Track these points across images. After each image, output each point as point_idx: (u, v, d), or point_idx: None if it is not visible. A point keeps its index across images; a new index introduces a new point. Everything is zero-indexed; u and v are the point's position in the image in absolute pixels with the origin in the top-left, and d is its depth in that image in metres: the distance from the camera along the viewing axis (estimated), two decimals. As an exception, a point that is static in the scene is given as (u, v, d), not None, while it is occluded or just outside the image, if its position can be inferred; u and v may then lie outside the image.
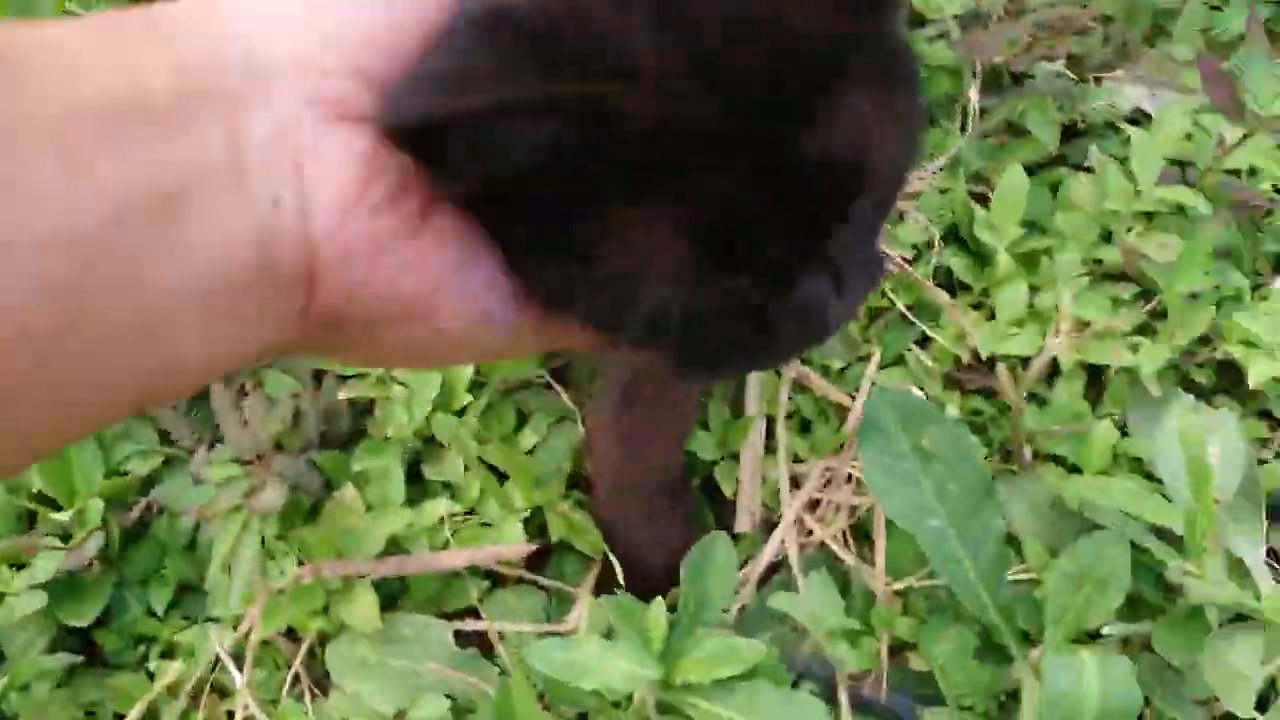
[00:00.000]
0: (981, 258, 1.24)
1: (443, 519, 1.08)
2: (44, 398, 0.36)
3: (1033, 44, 1.34)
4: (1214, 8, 1.45)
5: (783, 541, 1.10)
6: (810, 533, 1.11)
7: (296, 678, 1.06)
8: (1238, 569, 1.01)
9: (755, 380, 1.17)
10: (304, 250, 0.40)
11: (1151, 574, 1.00)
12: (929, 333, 1.20)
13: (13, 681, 1.06)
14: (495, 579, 1.11)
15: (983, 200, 1.25)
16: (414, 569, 1.06)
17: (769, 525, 1.13)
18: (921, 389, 1.16)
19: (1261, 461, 1.11)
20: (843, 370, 1.20)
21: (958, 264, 1.24)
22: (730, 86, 0.41)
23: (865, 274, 0.50)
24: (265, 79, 0.39)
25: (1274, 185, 1.23)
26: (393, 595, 1.09)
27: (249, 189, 0.38)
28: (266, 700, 1.06)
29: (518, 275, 0.46)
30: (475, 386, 1.12)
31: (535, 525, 1.10)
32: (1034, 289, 1.19)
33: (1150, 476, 1.07)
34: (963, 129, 1.33)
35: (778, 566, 1.11)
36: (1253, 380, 1.08)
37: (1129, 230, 1.20)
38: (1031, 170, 1.28)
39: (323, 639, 1.07)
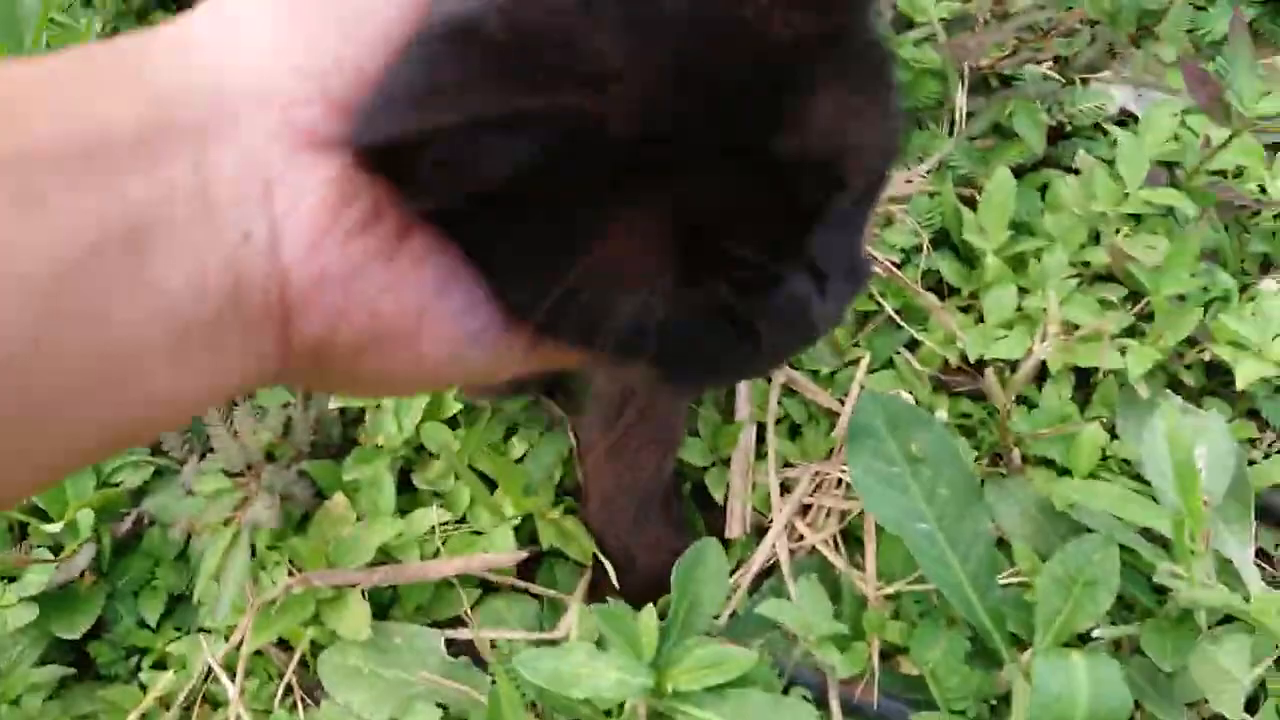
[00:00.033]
0: (970, 261, 1.25)
1: (433, 528, 1.08)
2: (12, 441, 0.35)
3: (1019, 47, 1.34)
4: (1199, 8, 1.45)
5: (774, 547, 1.10)
6: (801, 538, 1.11)
7: (289, 687, 1.07)
8: (1227, 569, 1.01)
9: (745, 385, 1.17)
10: (277, 281, 0.40)
11: (1141, 576, 1.00)
12: (918, 336, 1.20)
13: (5, 694, 1.06)
14: (487, 587, 1.11)
15: (971, 203, 1.26)
16: (405, 578, 1.06)
17: (760, 530, 1.13)
18: (911, 393, 1.17)
19: (1251, 462, 1.12)
20: (832, 374, 1.20)
21: (947, 267, 1.24)
22: (702, 90, 0.40)
23: (851, 275, 0.50)
24: (233, 111, 0.39)
25: (1260, 185, 1.24)
26: (384, 604, 1.09)
27: (218, 222, 0.38)
28: (259, 710, 1.06)
29: (498, 293, 0.45)
30: (465, 395, 1.13)
31: (526, 533, 1.11)
32: (1023, 291, 1.20)
33: (1140, 478, 1.07)
34: (950, 132, 1.33)
35: (769, 571, 1.11)
36: (1240, 381, 1.09)
37: (1117, 232, 1.21)
38: (1019, 172, 1.29)
39: (315, 648, 1.07)
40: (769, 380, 1.18)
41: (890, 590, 1.05)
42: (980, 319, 1.20)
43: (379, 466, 1.10)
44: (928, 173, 1.30)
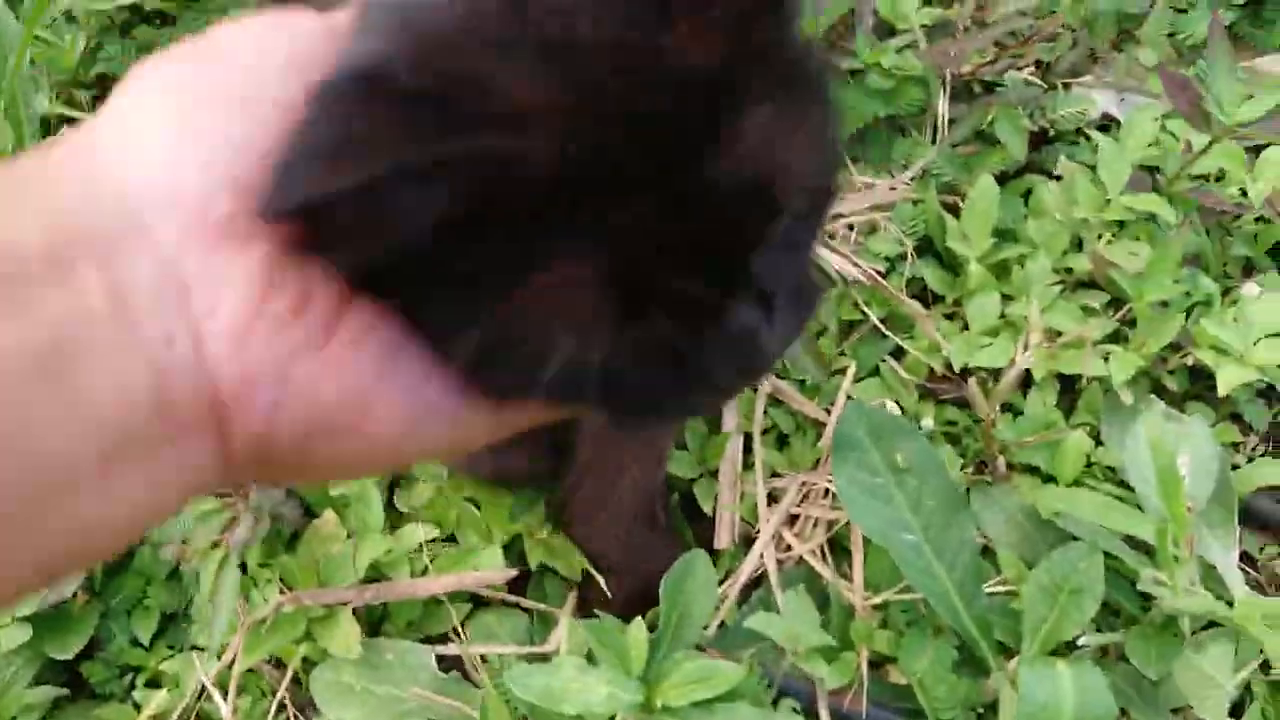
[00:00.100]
0: (954, 268, 1.25)
1: (422, 544, 1.09)
2: None
3: (1000, 54, 1.35)
4: (1180, 10, 1.46)
5: (761, 557, 1.11)
6: (789, 548, 1.12)
7: (282, 705, 1.07)
8: (1211, 575, 1.02)
9: (731, 397, 1.18)
10: (205, 385, 0.38)
11: (1126, 583, 1.01)
12: (903, 345, 1.21)
13: (0, 716, 1.06)
14: (477, 601, 1.11)
15: (954, 210, 1.26)
16: (396, 596, 1.06)
17: (748, 540, 1.14)
18: (897, 401, 1.17)
19: (1234, 466, 1.12)
20: (818, 384, 1.20)
21: (931, 275, 1.25)
22: (625, 120, 0.39)
23: (799, 299, 0.49)
24: (141, 217, 0.38)
25: (1241, 189, 1.24)
26: (375, 620, 1.10)
27: (138, 333, 0.37)
28: (252, 728, 1.07)
29: (441, 355, 0.43)
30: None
31: (516, 549, 1.11)
32: (1007, 298, 1.20)
33: (1125, 484, 1.08)
34: (933, 139, 1.34)
35: (757, 581, 1.11)
36: (1222, 387, 1.09)
37: (1099, 238, 1.21)
38: (1002, 179, 1.29)
39: (307, 665, 1.07)
40: (754, 391, 1.19)
41: (878, 600, 1.06)
42: (965, 326, 1.21)
43: (366, 483, 1.11)
44: (911, 180, 1.31)
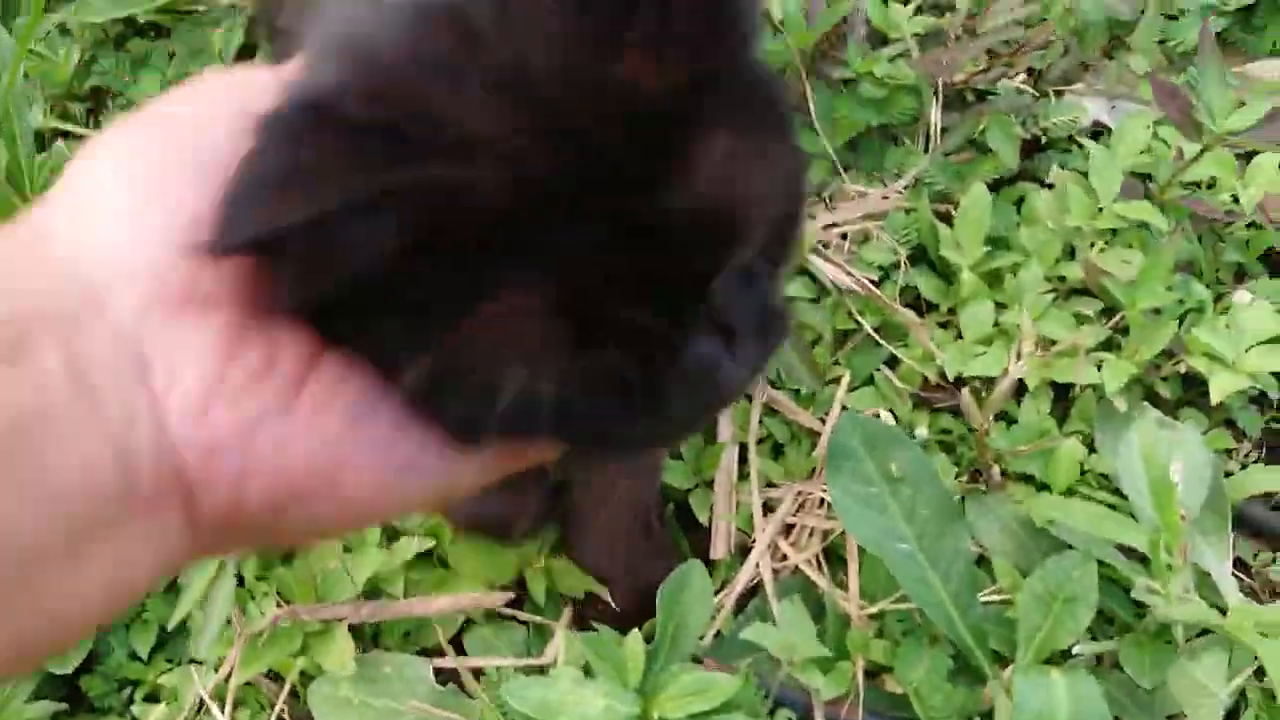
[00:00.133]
0: (948, 276, 1.26)
1: (417, 555, 1.09)
2: None
3: (992, 64, 1.35)
4: (1170, 17, 1.46)
5: (757, 566, 1.11)
6: (784, 557, 1.12)
7: (280, 718, 1.07)
8: (1205, 581, 1.03)
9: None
10: (169, 459, 0.37)
11: (1121, 591, 1.01)
12: (897, 354, 1.21)
13: (-2, 732, 1.07)
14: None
15: (948, 219, 1.27)
16: (393, 614, 1.07)
17: (744, 550, 1.14)
18: (891, 410, 1.18)
19: (1228, 473, 1.13)
20: (813, 394, 1.21)
21: (924, 283, 1.25)
22: (578, 148, 0.38)
23: (763, 330, 0.47)
24: (96, 291, 0.38)
25: (1233, 195, 1.25)
26: (373, 632, 1.10)
27: (100, 411, 0.36)
28: (251, 741, 1.07)
29: (393, 388, 0.42)
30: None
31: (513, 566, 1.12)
32: (1000, 306, 1.21)
33: (1119, 492, 1.08)
34: (926, 148, 1.34)
35: (754, 591, 1.12)
36: (1215, 394, 1.10)
37: (1091, 246, 1.22)
38: (995, 186, 1.30)
39: (305, 679, 1.07)
40: (749, 400, 1.19)
41: (874, 610, 1.06)
42: (959, 335, 1.21)
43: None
44: (904, 189, 1.31)
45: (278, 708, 1.07)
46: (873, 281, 1.24)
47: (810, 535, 1.14)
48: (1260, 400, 1.20)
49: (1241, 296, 1.20)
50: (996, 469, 1.12)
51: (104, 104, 1.56)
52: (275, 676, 1.09)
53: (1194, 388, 1.19)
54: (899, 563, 1.00)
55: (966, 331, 1.20)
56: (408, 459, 0.42)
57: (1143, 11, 1.44)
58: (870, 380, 1.22)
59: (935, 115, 1.34)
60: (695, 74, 0.40)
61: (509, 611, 1.10)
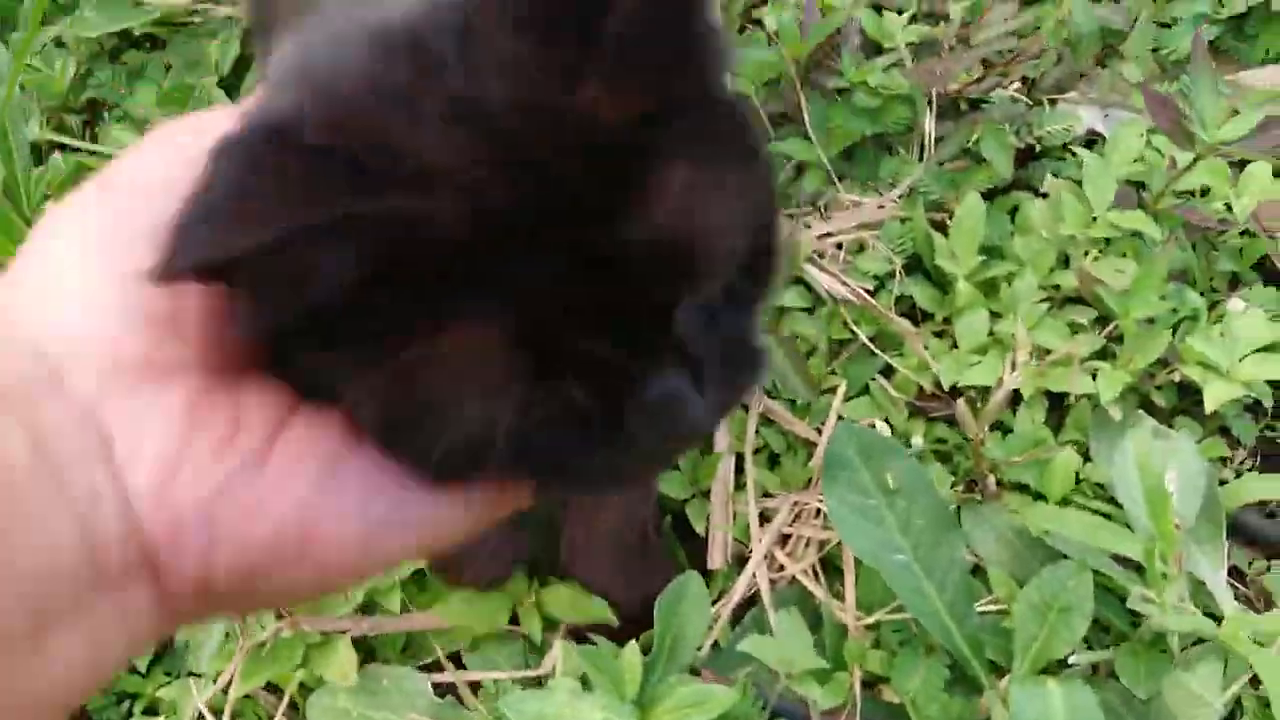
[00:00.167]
0: (943, 285, 1.26)
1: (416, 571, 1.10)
2: None
3: (985, 74, 1.36)
4: (1163, 25, 1.47)
5: (754, 576, 1.12)
6: (781, 568, 1.13)
7: (279, 731, 1.08)
8: (1200, 590, 1.03)
9: (723, 416, 1.18)
10: (133, 535, 0.37)
11: (1116, 600, 1.02)
12: (893, 363, 1.21)
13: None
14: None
15: (942, 228, 1.27)
16: (393, 628, 1.07)
17: (741, 560, 1.14)
18: (887, 420, 1.18)
19: (1222, 482, 1.13)
20: (808, 404, 1.21)
21: (920, 293, 1.26)
22: (537, 179, 0.37)
23: (737, 364, 0.46)
24: (57, 366, 0.37)
25: (1226, 204, 1.25)
26: (370, 645, 1.11)
27: (64, 490, 0.35)
28: (249, 755, 1.07)
29: (368, 438, 0.41)
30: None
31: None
32: (995, 315, 1.21)
33: (1115, 501, 1.08)
34: (920, 157, 1.34)
35: (751, 601, 1.12)
36: (1209, 404, 1.10)
37: (1085, 255, 1.22)
38: (990, 195, 1.30)
39: (304, 691, 1.08)
40: (745, 410, 1.19)
41: (870, 620, 1.06)
42: (954, 344, 1.21)
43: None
44: (899, 198, 1.32)
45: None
46: (868, 291, 1.24)
47: (807, 545, 1.14)
48: (1255, 408, 1.20)
49: (1235, 305, 1.21)
50: (992, 478, 1.13)
51: (100, 116, 1.56)
52: (273, 689, 1.10)
53: (1189, 396, 1.20)
54: (895, 573, 1.00)
55: (961, 341, 1.20)
56: (386, 514, 0.41)
57: (1136, 20, 1.45)
58: (866, 390, 1.22)
59: (929, 124, 1.34)
60: (655, 105, 0.39)
61: (506, 625, 1.11)
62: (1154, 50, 1.45)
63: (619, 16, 0.37)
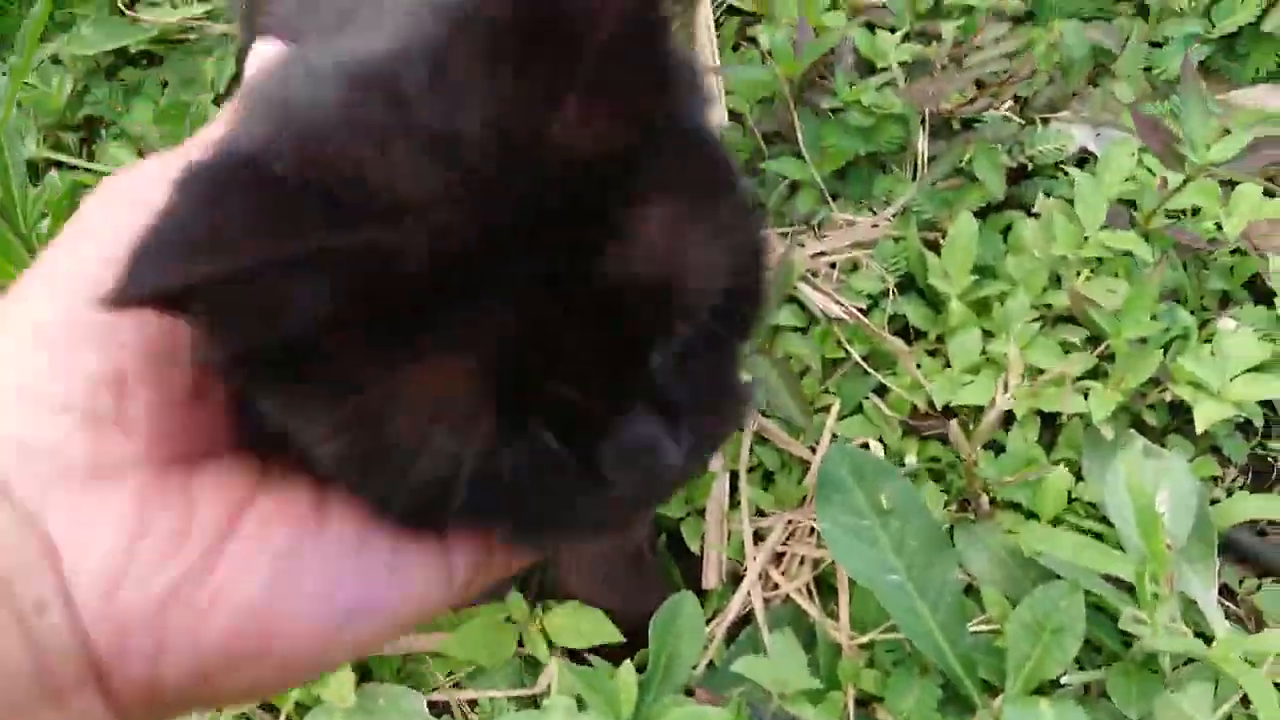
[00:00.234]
0: (936, 305, 1.27)
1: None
2: None
3: (979, 93, 1.37)
4: (1155, 44, 1.48)
5: (749, 595, 1.12)
6: (776, 586, 1.13)
7: (275, 750, 1.08)
8: (1192, 609, 1.04)
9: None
10: (79, 644, 0.36)
11: (1109, 619, 1.02)
12: (886, 382, 1.22)
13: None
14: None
15: (935, 247, 1.28)
16: (392, 650, 1.08)
17: (735, 578, 1.15)
18: (881, 439, 1.19)
19: (1214, 500, 1.14)
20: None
21: (913, 311, 1.26)
22: (507, 214, 0.36)
23: (716, 409, 0.45)
24: (3, 476, 0.36)
25: (1216, 223, 1.26)
26: (367, 665, 1.11)
27: (10, 601, 0.35)
28: (245, 774, 1.07)
29: (310, 461, 0.40)
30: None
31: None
32: (988, 334, 1.22)
33: (1107, 520, 1.09)
34: (914, 176, 1.35)
35: (746, 619, 1.13)
36: (1200, 424, 1.11)
37: (1077, 275, 1.23)
38: (982, 214, 1.31)
39: (300, 710, 1.08)
40: (740, 430, 1.20)
41: (864, 640, 1.07)
42: (947, 364, 1.22)
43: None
44: (892, 217, 1.32)
45: (272, 740, 1.08)
46: (861, 310, 1.25)
47: (801, 563, 1.14)
48: (1246, 427, 1.21)
49: (1226, 324, 1.22)
50: (985, 497, 1.13)
51: (97, 134, 1.57)
52: (270, 708, 1.10)
53: (1180, 415, 1.20)
54: (889, 594, 1.01)
55: (954, 360, 1.21)
56: (352, 602, 0.40)
57: (1127, 39, 1.46)
58: (859, 408, 1.23)
59: (922, 144, 1.35)
60: (637, 137, 0.39)
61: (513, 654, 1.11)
62: (1146, 69, 1.46)
63: (594, 49, 0.37)
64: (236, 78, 1.53)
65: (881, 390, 1.23)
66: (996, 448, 1.18)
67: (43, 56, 1.55)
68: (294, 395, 0.39)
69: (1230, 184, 1.27)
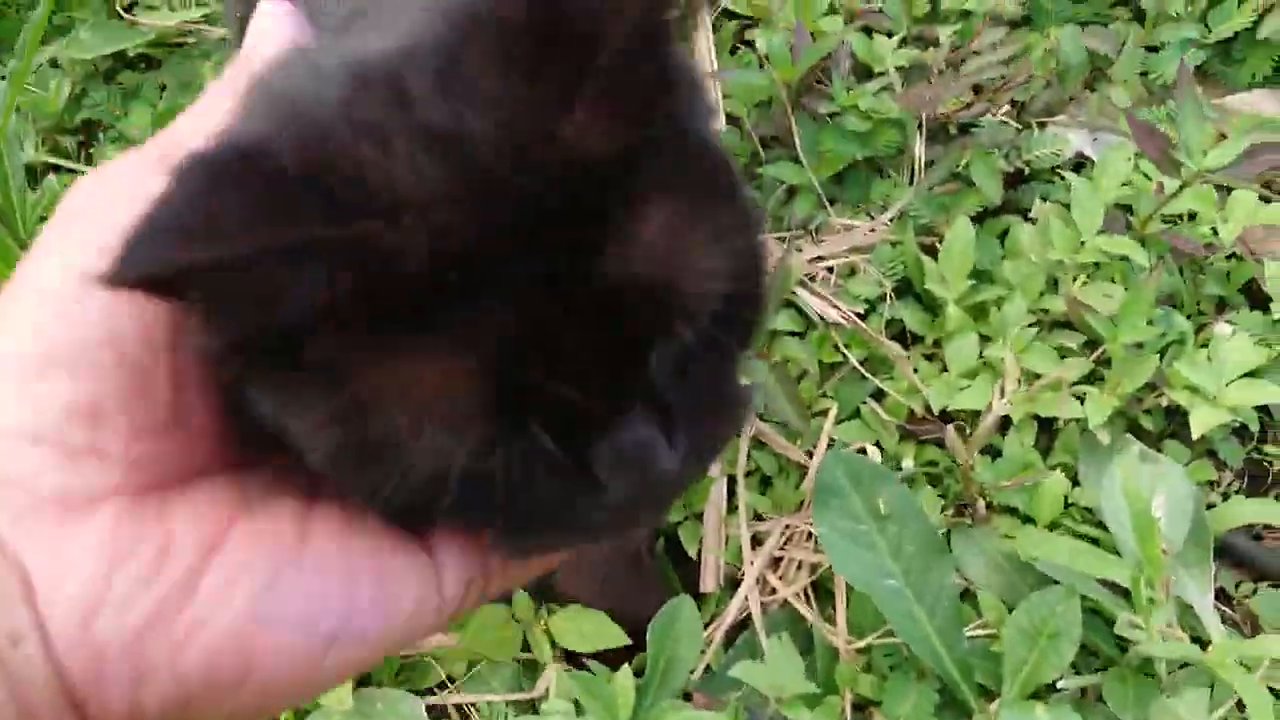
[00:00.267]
0: (933, 309, 1.27)
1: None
2: None
3: (975, 98, 1.37)
4: (1151, 49, 1.48)
5: (746, 599, 1.12)
6: (773, 590, 1.13)
7: (273, 755, 1.08)
8: (1188, 613, 1.04)
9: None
10: (55, 677, 0.36)
11: (1104, 625, 1.03)
12: (883, 387, 1.22)
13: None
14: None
15: (933, 252, 1.28)
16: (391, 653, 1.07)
17: (733, 583, 1.15)
18: (878, 443, 1.19)
19: (1210, 505, 1.14)
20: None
21: (910, 316, 1.26)
22: (509, 213, 0.36)
23: (715, 414, 0.45)
24: None
25: (1213, 228, 1.26)
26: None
27: None
28: (244, 779, 1.07)
29: (299, 454, 0.39)
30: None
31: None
32: (985, 339, 1.22)
33: (1104, 525, 1.09)
34: (911, 181, 1.35)
35: (743, 623, 1.13)
36: (1196, 429, 1.11)
37: (1074, 280, 1.23)
38: (979, 218, 1.31)
39: (299, 715, 1.08)
40: (738, 434, 1.20)
41: (861, 644, 1.07)
42: (944, 368, 1.22)
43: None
44: (890, 221, 1.33)
45: (271, 744, 1.08)
46: (858, 314, 1.26)
47: (798, 568, 1.15)
48: (1241, 431, 1.22)
49: (1222, 329, 1.22)
50: (982, 502, 1.14)
51: (95, 137, 1.57)
52: (268, 713, 1.10)
53: (1176, 419, 1.21)
54: (886, 598, 1.01)
55: (951, 365, 1.21)
56: (335, 627, 0.39)
57: (1123, 44, 1.46)
58: (857, 413, 1.23)
59: (919, 148, 1.35)
60: (641, 139, 0.39)
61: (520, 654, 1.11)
62: (1142, 74, 1.46)
63: (608, 50, 0.37)
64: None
65: (879, 395, 1.24)
66: (993, 452, 1.19)
67: (41, 60, 1.56)
68: (290, 383, 0.38)
69: (1226, 189, 1.28)
